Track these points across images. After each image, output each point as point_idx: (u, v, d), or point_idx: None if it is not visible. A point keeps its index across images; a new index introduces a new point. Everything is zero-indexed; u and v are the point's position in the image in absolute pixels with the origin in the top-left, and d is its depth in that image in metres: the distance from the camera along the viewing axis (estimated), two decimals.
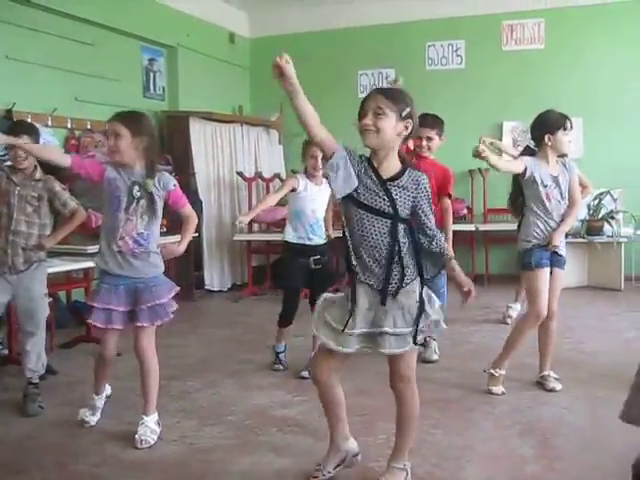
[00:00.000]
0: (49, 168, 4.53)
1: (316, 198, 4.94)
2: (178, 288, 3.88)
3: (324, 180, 4.92)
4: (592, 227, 8.19)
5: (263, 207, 5.24)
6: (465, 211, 8.83)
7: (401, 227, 2.91)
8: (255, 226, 8.86)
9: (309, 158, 4.92)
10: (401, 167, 2.94)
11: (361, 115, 2.91)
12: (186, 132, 8.29)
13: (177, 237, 3.84)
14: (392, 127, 2.86)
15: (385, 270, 2.91)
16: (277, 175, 9.23)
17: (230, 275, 9.02)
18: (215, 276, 8.72)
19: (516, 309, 6.44)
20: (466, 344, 5.79)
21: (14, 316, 4.92)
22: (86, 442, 3.76)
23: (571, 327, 6.12)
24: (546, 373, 4.57)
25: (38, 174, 4.44)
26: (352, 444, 3.29)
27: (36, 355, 4.38)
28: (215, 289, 8.67)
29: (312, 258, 4.93)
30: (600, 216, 8.23)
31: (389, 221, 2.89)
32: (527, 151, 4.54)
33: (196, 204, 7.68)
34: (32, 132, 4.38)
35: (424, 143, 4.98)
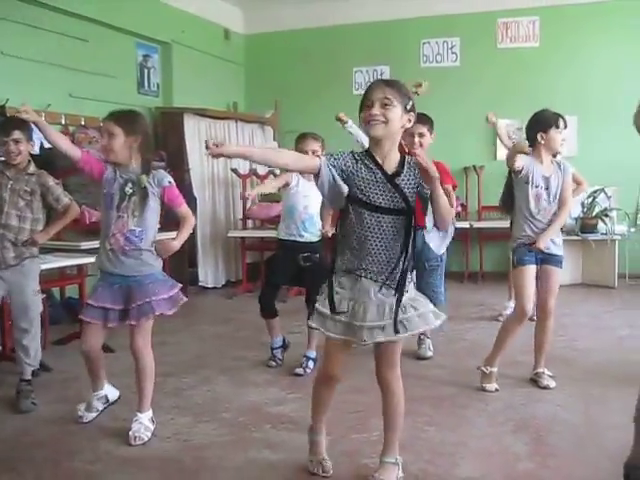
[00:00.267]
0: (42, 163, 4.52)
1: (309, 194, 4.93)
2: (180, 285, 3.87)
3: None
4: (586, 225, 8.21)
5: (264, 189, 5.21)
6: (459, 208, 8.82)
7: (410, 223, 2.91)
8: (249, 223, 8.86)
9: (303, 153, 4.90)
10: (400, 156, 2.93)
11: (365, 106, 2.88)
12: (180, 128, 8.28)
13: (171, 234, 3.82)
14: (399, 118, 2.86)
15: (392, 268, 2.91)
16: (271, 172, 9.21)
17: (224, 272, 9.03)
18: (209, 273, 8.72)
19: (511, 307, 6.44)
20: (460, 341, 5.80)
21: (7, 312, 4.90)
22: (80, 439, 3.75)
23: (565, 324, 6.13)
24: (540, 370, 4.57)
25: (32, 168, 4.43)
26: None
27: (34, 349, 4.38)
28: (209, 286, 8.68)
29: (301, 255, 4.92)
30: (594, 214, 8.25)
31: (403, 217, 2.88)
32: None
33: (190, 201, 7.67)
34: (25, 128, 4.36)
35: (416, 139, 4.97)
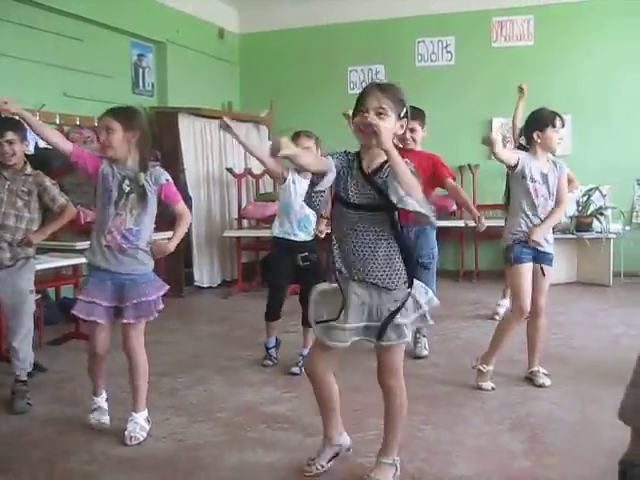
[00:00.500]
0: (38, 163, 4.51)
1: (304, 193, 4.91)
2: (167, 287, 3.86)
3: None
4: (581, 223, 8.22)
5: (254, 148, 5.15)
6: (454, 207, 8.83)
7: (395, 216, 2.91)
8: (245, 222, 8.85)
9: None
10: (384, 158, 2.91)
11: (359, 111, 2.89)
12: (175, 128, 8.27)
13: (165, 234, 3.81)
14: (392, 126, 2.87)
15: (380, 267, 2.91)
16: (267, 171, 9.20)
17: (220, 271, 9.02)
18: (205, 272, 8.71)
19: (504, 305, 6.45)
20: (455, 340, 5.80)
21: (3, 313, 4.89)
22: (75, 439, 3.74)
23: (560, 323, 6.13)
24: (535, 369, 4.58)
25: (28, 169, 4.43)
26: (345, 438, 3.33)
27: (24, 352, 4.37)
28: (205, 285, 8.66)
29: (299, 255, 4.91)
30: (589, 212, 8.26)
31: (384, 213, 2.89)
32: (520, 149, 4.56)
33: (185, 200, 7.62)
34: (18, 129, 4.35)
35: (408, 135, 4.96)
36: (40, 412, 4.19)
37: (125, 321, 3.65)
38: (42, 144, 6.42)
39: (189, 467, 3.38)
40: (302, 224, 4.94)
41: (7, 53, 6.46)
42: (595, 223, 8.20)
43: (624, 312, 6.68)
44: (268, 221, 7.97)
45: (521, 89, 6.49)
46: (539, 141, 4.37)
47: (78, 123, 7.19)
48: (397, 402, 3.08)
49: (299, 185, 4.91)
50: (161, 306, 3.78)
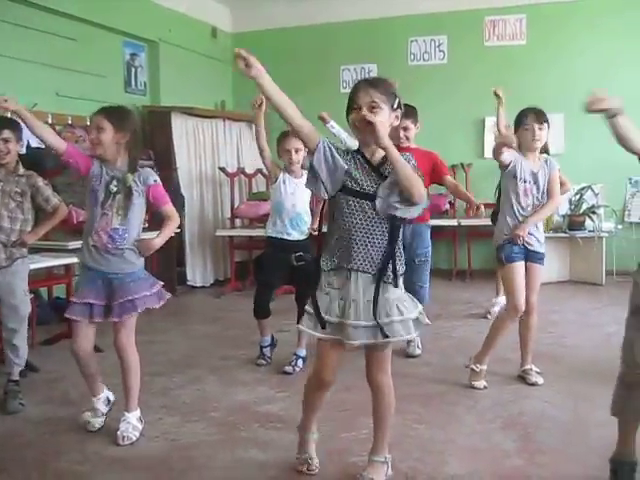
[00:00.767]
0: (30, 164, 4.50)
1: (295, 192, 4.93)
2: (161, 283, 3.85)
3: (303, 172, 4.91)
4: (573, 222, 8.24)
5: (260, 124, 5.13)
6: (447, 206, 8.84)
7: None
8: (237, 222, 8.85)
9: (283, 152, 4.91)
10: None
11: (353, 109, 2.90)
12: (168, 127, 8.25)
13: (154, 234, 3.78)
14: (387, 119, 2.88)
15: (381, 260, 2.91)
16: (259, 170, 9.20)
17: (212, 271, 9.01)
18: (197, 272, 8.70)
19: (498, 304, 6.45)
20: (448, 339, 5.81)
21: None
22: (68, 439, 3.74)
23: (553, 321, 6.15)
24: (528, 367, 4.59)
25: (21, 169, 4.42)
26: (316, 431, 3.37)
27: (23, 349, 4.37)
28: (197, 285, 8.66)
29: (294, 255, 4.91)
30: (581, 211, 8.27)
31: None
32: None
33: (178, 199, 7.66)
34: (14, 128, 4.35)
35: (402, 134, 4.98)
36: (33, 412, 4.18)
37: (112, 319, 3.64)
38: (34, 143, 6.41)
39: (182, 467, 3.38)
40: (294, 223, 4.94)
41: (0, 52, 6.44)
42: (587, 222, 8.22)
43: (616, 311, 6.66)
44: (261, 220, 7.99)
45: (497, 95, 6.46)
46: (520, 141, 4.40)
47: (70, 122, 7.17)
48: (386, 400, 3.08)
49: (289, 184, 4.91)
50: (161, 302, 3.78)
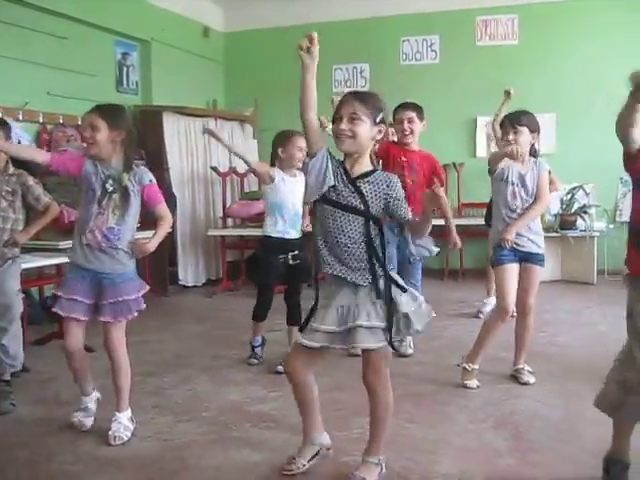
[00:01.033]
0: (21, 163, 4.48)
1: (294, 191, 4.93)
2: (147, 287, 3.84)
3: (297, 172, 4.92)
4: (565, 221, 8.27)
5: (261, 167, 5.11)
6: None
7: (372, 225, 2.95)
8: (229, 221, 8.83)
9: (294, 149, 4.83)
10: (372, 168, 3.00)
11: (335, 120, 2.97)
12: (160, 127, 8.24)
13: (148, 233, 3.77)
14: (367, 132, 2.93)
15: (360, 266, 2.94)
16: (251, 171, 9.19)
17: (204, 270, 8.99)
18: (189, 271, 8.68)
19: (490, 304, 6.46)
20: (441, 338, 5.81)
21: None
22: (59, 440, 3.72)
23: (545, 320, 6.15)
24: (520, 366, 4.60)
25: (11, 169, 4.40)
26: (325, 437, 3.34)
27: (14, 349, 4.34)
28: (189, 284, 8.64)
29: (291, 254, 4.90)
30: (573, 210, 8.30)
31: (362, 218, 2.93)
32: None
33: (170, 199, 7.64)
34: (2, 127, 4.33)
35: (406, 125, 4.98)
36: (24, 413, 4.17)
37: (103, 319, 3.63)
38: (24, 142, 6.40)
39: (174, 467, 3.37)
40: (294, 221, 4.95)
41: None
42: (579, 221, 8.25)
43: (608, 310, 6.70)
44: (253, 220, 7.98)
45: (508, 93, 6.47)
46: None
47: (61, 121, 7.16)
48: (382, 402, 3.08)
49: (288, 183, 4.90)
50: (143, 306, 3.76)
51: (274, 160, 4.97)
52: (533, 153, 4.48)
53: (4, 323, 4.31)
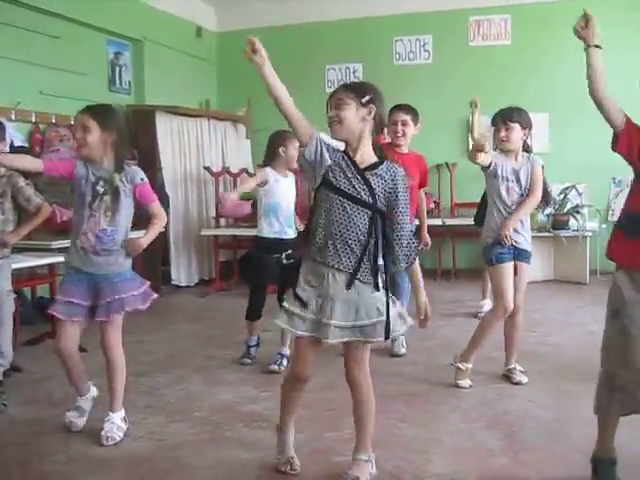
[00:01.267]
0: None
1: (288, 190, 4.94)
2: (148, 283, 3.84)
3: (288, 172, 4.92)
4: (558, 221, 8.28)
5: (245, 188, 5.11)
6: (432, 205, 8.85)
7: (378, 218, 2.94)
8: (222, 221, 8.83)
9: (295, 150, 4.83)
10: (378, 160, 2.98)
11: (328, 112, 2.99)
12: (152, 126, 8.23)
13: (141, 232, 3.76)
14: (354, 114, 2.92)
15: (358, 259, 2.93)
16: (245, 170, 9.21)
17: (197, 270, 8.99)
18: (182, 271, 8.68)
19: (487, 304, 6.44)
20: (433, 338, 5.80)
21: None
22: (51, 440, 3.72)
23: (537, 320, 6.17)
24: (512, 366, 4.60)
25: (2, 170, 4.37)
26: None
27: (5, 349, 4.32)
28: (182, 284, 8.63)
29: (285, 254, 4.90)
30: (565, 210, 8.32)
31: (369, 211, 2.91)
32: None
33: (163, 199, 7.63)
34: None
35: (399, 127, 4.98)
36: (16, 413, 4.16)
37: (99, 319, 3.62)
38: (18, 142, 6.38)
39: (167, 467, 3.37)
40: (290, 221, 4.96)
41: None
42: (572, 221, 8.27)
43: (600, 310, 6.58)
44: (246, 220, 7.97)
45: (474, 103, 6.40)
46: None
47: (54, 121, 7.14)
48: (365, 397, 3.08)
49: (282, 183, 4.90)
50: (147, 304, 3.76)
51: (269, 158, 4.96)
52: (526, 149, 4.49)
53: None
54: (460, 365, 4.51)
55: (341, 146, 3.03)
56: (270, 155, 4.96)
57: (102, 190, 3.57)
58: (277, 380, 4.46)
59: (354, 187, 2.90)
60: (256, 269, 5.04)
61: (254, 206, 5.27)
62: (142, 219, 3.87)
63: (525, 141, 4.46)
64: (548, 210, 8.19)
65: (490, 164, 4.36)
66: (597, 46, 3.02)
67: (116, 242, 3.62)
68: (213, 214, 8.86)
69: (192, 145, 8.94)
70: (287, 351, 4.93)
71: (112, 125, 3.59)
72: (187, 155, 8.83)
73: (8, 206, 4.38)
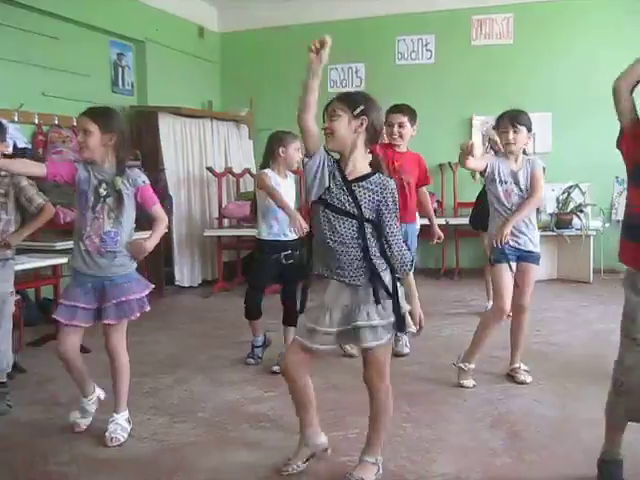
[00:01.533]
0: None
1: (287, 192, 4.93)
2: (152, 286, 3.83)
3: (288, 173, 4.93)
4: (561, 220, 8.27)
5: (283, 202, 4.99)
6: (435, 205, 8.84)
7: (368, 227, 2.94)
8: (225, 222, 8.83)
9: (295, 151, 4.85)
10: (370, 170, 2.99)
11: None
12: (155, 127, 8.23)
13: (145, 234, 3.76)
14: (345, 126, 2.94)
15: (351, 267, 2.94)
16: (247, 170, 9.20)
17: (200, 271, 8.99)
18: (185, 272, 8.67)
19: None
20: (437, 338, 5.81)
21: None
22: (56, 441, 3.72)
23: (541, 320, 6.16)
24: (516, 365, 4.60)
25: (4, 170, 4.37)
26: (322, 438, 3.32)
27: (2, 352, 4.32)
28: (185, 285, 8.63)
29: (283, 253, 4.90)
30: (569, 209, 8.31)
31: (355, 221, 2.93)
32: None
33: (166, 200, 7.65)
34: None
35: (396, 129, 4.99)
36: (20, 414, 4.16)
37: (106, 322, 3.62)
38: (20, 145, 6.39)
39: (171, 467, 3.37)
40: (288, 223, 4.94)
41: None
42: (575, 220, 8.25)
43: (604, 308, 6.72)
44: (249, 220, 7.96)
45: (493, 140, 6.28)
46: (500, 143, 4.46)
47: (57, 122, 7.14)
48: (382, 402, 3.09)
49: (282, 186, 4.89)
50: (147, 308, 3.75)
51: (268, 159, 4.96)
52: (524, 151, 4.50)
53: None
54: (462, 365, 4.51)
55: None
56: (269, 156, 4.95)
57: (105, 193, 3.57)
58: (281, 380, 4.42)
59: (338, 198, 2.93)
60: (255, 270, 5.06)
61: (254, 207, 5.24)
62: (143, 220, 3.87)
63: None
64: (551, 209, 8.20)
65: (486, 168, 4.37)
66: None
67: (120, 244, 3.62)
68: (216, 215, 8.85)
69: (195, 146, 8.94)
70: None
71: (113, 127, 3.59)
72: (190, 156, 8.83)
73: (11, 206, 4.37)
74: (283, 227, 4.92)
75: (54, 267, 5.85)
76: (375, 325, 2.94)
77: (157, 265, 7.80)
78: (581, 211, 8.24)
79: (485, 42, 9.30)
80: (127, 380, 3.77)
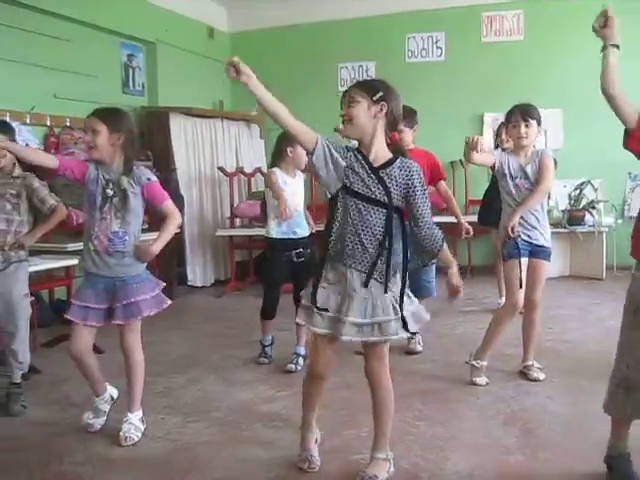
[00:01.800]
0: (29, 165, 4.49)
1: (296, 191, 4.94)
2: (163, 284, 3.84)
3: (297, 172, 4.93)
4: (573, 217, 8.24)
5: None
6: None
7: (395, 216, 2.94)
8: (237, 221, 8.84)
9: (301, 149, 4.86)
10: (392, 156, 2.98)
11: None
12: (166, 128, 8.24)
13: (156, 234, 3.76)
14: (365, 112, 2.93)
15: (374, 258, 2.93)
16: (259, 169, 9.21)
17: (213, 271, 9.00)
18: (198, 272, 8.69)
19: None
20: (450, 335, 5.81)
21: None
22: (70, 441, 3.74)
23: (554, 317, 6.15)
24: (529, 363, 4.59)
25: (17, 171, 4.39)
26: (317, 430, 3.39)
27: (22, 353, 4.35)
28: (198, 285, 8.65)
29: (294, 251, 4.92)
30: (581, 206, 8.27)
31: (384, 210, 2.92)
32: None
33: (177, 200, 7.65)
34: (7, 131, 4.33)
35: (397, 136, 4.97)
36: (35, 414, 4.19)
37: (116, 322, 3.64)
38: (33, 145, 6.41)
39: (185, 467, 3.38)
40: (299, 220, 4.97)
41: None
42: (587, 217, 8.22)
43: (617, 305, 6.60)
44: (260, 219, 7.97)
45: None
46: (509, 137, 4.46)
47: (69, 124, 7.17)
48: (385, 395, 3.10)
49: (290, 184, 4.90)
50: (165, 304, 3.77)
51: (277, 159, 4.97)
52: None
53: (11, 328, 4.31)
54: (475, 363, 4.50)
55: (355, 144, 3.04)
56: (278, 156, 4.97)
57: (111, 193, 3.58)
58: (294, 380, 4.49)
59: (368, 187, 2.91)
60: (268, 268, 5.07)
61: (263, 207, 5.25)
62: (156, 219, 3.86)
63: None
64: (563, 206, 8.17)
65: (494, 164, 4.36)
66: (615, 45, 2.95)
67: (129, 243, 3.63)
68: (228, 214, 8.86)
69: (206, 146, 8.97)
70: (303, 350, 4.95)
71: (121, 127, 3.60)
72: (201, 156, 8.86)
73: (24, 207, 4.38)
74: (292, 225, 4.93)
75: (67, 268, 5.87)
76: (397, 318, 2.95)
77: (169, 265, 7.82)
78: (593, 207, 8.21)
79: (495, 39, 9.27)
80: (141, 379, 3.78)
